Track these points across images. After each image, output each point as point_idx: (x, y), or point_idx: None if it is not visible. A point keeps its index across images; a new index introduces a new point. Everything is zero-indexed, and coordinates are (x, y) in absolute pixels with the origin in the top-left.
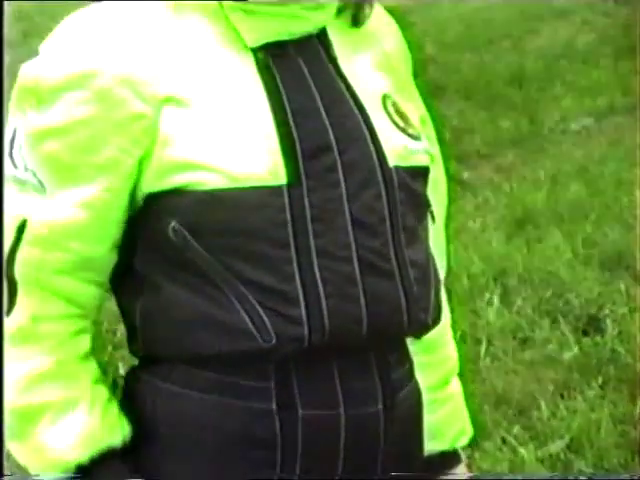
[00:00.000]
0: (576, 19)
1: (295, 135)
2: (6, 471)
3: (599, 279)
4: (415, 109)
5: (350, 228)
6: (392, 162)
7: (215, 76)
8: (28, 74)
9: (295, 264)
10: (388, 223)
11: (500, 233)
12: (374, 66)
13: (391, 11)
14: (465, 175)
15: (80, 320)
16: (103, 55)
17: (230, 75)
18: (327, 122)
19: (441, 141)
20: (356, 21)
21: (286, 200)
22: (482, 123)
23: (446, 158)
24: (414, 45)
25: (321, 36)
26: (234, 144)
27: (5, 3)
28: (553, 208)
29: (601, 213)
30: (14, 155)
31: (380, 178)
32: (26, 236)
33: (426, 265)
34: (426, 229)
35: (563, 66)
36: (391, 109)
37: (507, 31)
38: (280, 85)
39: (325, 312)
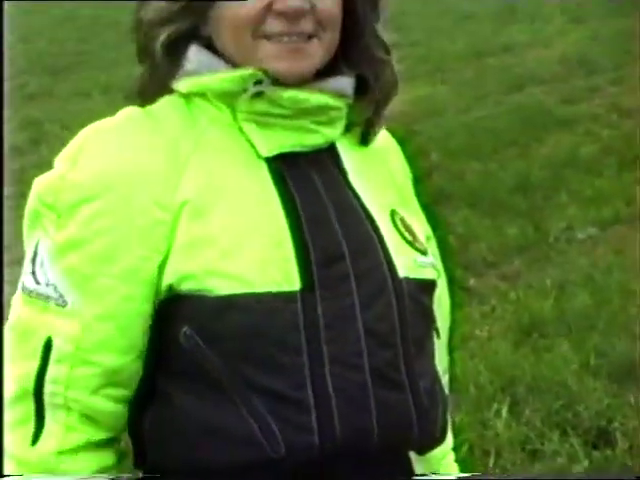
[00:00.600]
0: (580, 129)
1: (309, 243)
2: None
3: (608, 391)
4: (420, 226)
5: (362, 337)
6: (402, 273)
7: (230, 184)
8: (45, 189)
9: (307, 371)
10: (399, 333)
11: (507, 342)
12: (381, 182)
13: (392, 130)
14: (471, 282)
15: (105, 452)
16: (119, 165)
17: (245, 183)
18: (339, 232)
19: (446, 248)
20: (364, 139)
21: (299, 306)
22: (487, 231)
23: (452, 266)
24: (419, 152)
25: (330, 150)
26: (249, 251)
27: (9, 109)
28: (560, 317)
29: (609, 323)
30: (36, 272)
31: (391, 288)
32: (52, 355)
33: (434, 378)
34: (433, 342)
35: (567, 175)
36: (399, 223)
37: (511, 140)
38: (294, 194)
39: (337, 420)
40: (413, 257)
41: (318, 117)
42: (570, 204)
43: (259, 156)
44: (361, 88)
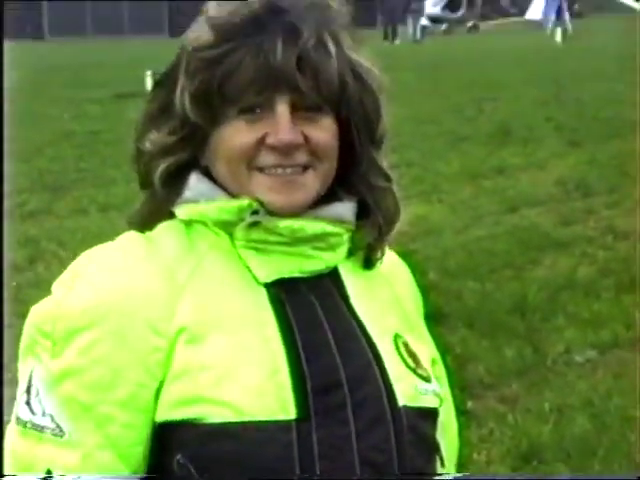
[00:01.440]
0: (576, 251)
1: (306, 371)
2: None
3: None
4: (426, 350)
5: (357, 467)
6: (401, 402)
7: (227, 310)
8: (42, 317)
9: None
10: (396, 463)
11: (506, 467)
12: (385, 306)
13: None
14: (469, 405)
15: None
16: (115, 292)
17: (242, 309)
18: (338, 359)
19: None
20: (368, 263)
21: (294, 436)
22: (485, 352)
23: (450, 386)
24: (416, 272)
25: (333, 275)
26: (244, 378)
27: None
28: (559, 443)
29: (609, 450)
30: (31, 402)
31: (389, 418)
32: None
33: None
34: (434, 471)
35: (565, 297)
36: (402, 349)
37: (508, 261)
38: (292, 320)
39: None
40: (414, 384)
41: (317, 243)
42: (568, 327)
43: (258, 282)
44: (364, 212)
